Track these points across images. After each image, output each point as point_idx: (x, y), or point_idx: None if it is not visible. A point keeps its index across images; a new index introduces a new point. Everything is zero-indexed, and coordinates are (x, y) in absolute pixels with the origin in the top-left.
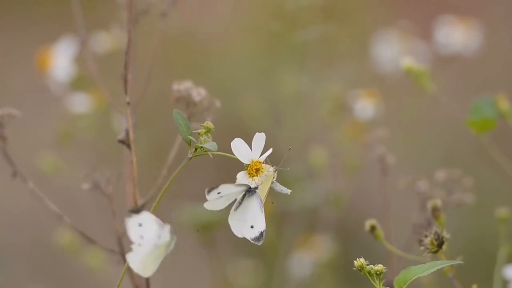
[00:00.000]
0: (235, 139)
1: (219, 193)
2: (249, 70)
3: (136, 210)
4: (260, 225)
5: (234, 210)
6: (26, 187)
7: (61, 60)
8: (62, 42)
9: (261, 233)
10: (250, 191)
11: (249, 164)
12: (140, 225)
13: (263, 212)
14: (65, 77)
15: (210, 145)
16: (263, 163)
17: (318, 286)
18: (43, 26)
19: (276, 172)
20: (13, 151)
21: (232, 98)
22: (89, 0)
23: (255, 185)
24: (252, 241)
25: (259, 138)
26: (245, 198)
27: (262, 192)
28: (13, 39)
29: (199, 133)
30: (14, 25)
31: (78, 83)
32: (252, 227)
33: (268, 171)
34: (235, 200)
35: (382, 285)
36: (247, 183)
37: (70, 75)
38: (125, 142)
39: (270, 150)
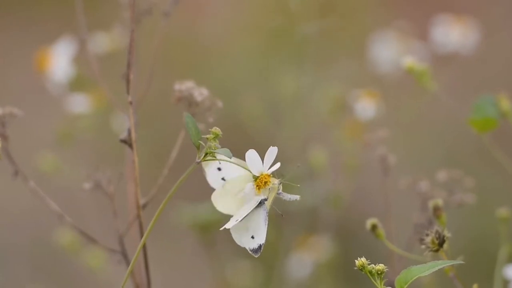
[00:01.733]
0: (249, 150)
1: (219, 169)
2: (249, 70)
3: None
4: (261, 237)
5: (239, 221)
6: (27, 186)
7: (59, 61)
8: (60, 42)
9: (260, 246)
10: (260, 202)
11: (258, 177)
12: (219, 169)
13: (267, 225)
14: (64, 78)
15: (224, 152)
16: (271, 176)
17: (318, 287)
18: (43, 26)
19: (281, 184)
20: (14, 151)
21: (233, 98)
22: (90, 0)
23: (265, 197)
24: (250, 252)
25: (272, 152)
26: (254, 209)
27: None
28: (13, 39)
29: (207, 138)
30: (14, 25)
31: (78, 84)
32: (252, 237)
33: (273, 183)
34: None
35: (383, 285)
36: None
37: (69, 76)
38: (127, 142)
39: (278, 164)
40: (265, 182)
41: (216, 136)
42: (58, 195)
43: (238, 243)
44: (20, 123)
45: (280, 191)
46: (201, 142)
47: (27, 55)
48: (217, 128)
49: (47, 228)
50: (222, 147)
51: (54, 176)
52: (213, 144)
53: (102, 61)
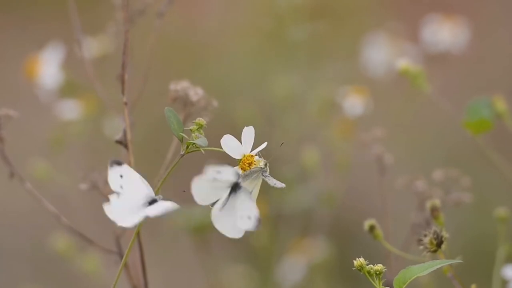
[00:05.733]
0: (225, 135)
1: (218, 172)
2: (244, 71)
3: (118, 162)
4: (255, 212)
5: (220, 209)
6: (23, 188)
7: (48, 68)
8: (49, 48)
9: (259, 219)
10: (237, 186)
11: (241, 159)
12: (121, 176)
13: (254, 200)
14: (53, 85)
15: (201, 141)
16: (255, 156)
17: (314, 287)
18: (41, 26)
19: (267, 165)
20: (12, 152)
21: (228, 98)
22: (86, 0)
23: (240, 179)
24: (251, 230)
25: (248, 132)
26: (231, 195)
27: (255, 189)
28: (11, 39)
29: (191, 129)
30: (12, 25)
31: (69, 89)
32: (249, 217)
33: (259, 164)
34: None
35: (382, 285)
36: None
37: (58, 82)
38: (123, 142)
39: (264, 144)
40: (250, 163)
41: (200, 127)
42: (56, 196)
43: (230, 235)
44: (19, 123)
45: (267, 174)
46: (185, 135)
47: (25, 55)
48: (201, 119)
49: (46, 229)
50: (218, 147)
51: (50, 179)
52: (194, 134)
53: (97, 62)
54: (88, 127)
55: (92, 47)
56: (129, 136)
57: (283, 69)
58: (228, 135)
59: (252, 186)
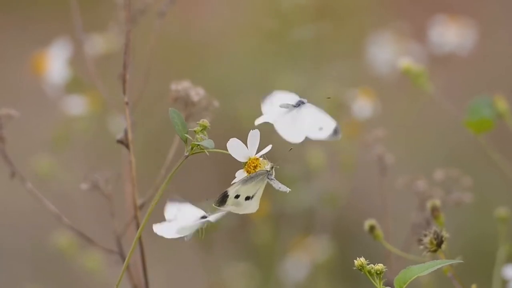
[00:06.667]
0: (231, 139)
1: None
2: (245, 70)
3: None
4: (330, 123)
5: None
6: (24, 187)
7: (55, 64)
8: (56, 45)
9: (336, 130)
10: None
11: (246, 162)
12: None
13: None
14: (60, 80)
15: (207, 142)
16: (260, 158)
17: (315, 287)
18: (41, 26)
19: (274, 169)
20: (12, 152)
21: (229, 98)
22: (86, 0)
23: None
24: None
25: (254, 135)
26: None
27: (259, 191)
28: (11, 39)
29: (195, 131)
30: (11, 24)
31: (74, 85)
32: (321, 129)
33: (265, 168)
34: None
35: (382, 285)
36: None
37: (65, 78)
38: (124, 142)
39: (269, 147)
40: (255, 166)
41: (204, 128)
42: (57, 196)
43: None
44: (18, 123)
45: (273, 177)
46: (189, 137)
47: (25, 55)
48: (205, 120)
49: (47, 229)
50: (219, 147)
51: (51, 179)
52: (199, 136)
53: (99, 61)
54: (92, 125)
55: (96, 45)
56: (130, 136)
57: (284, 69)
58: (234, 138)
59: (256, 189)
